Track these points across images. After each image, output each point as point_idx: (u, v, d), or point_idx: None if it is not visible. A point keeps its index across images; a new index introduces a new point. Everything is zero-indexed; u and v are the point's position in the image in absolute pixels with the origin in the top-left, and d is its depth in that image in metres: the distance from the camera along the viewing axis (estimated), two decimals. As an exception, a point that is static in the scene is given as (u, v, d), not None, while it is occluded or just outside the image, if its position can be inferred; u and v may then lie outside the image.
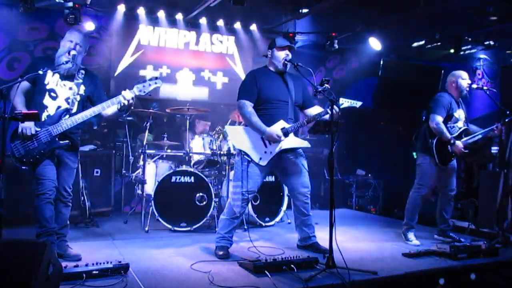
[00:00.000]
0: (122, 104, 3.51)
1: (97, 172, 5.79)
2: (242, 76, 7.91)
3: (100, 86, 3.81)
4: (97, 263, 3.22)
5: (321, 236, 4.18)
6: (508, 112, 4.58)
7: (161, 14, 7.19)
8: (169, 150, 5.65)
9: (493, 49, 8.96)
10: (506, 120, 4.58)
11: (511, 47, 8.97)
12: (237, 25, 7.77)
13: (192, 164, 5.55)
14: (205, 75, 7.79)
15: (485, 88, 4.91)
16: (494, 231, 4.83)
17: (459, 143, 4.49)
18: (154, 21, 7.29)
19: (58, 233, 3.69)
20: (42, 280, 2.51)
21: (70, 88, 3.60)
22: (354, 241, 4.70)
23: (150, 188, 5.26)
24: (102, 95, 3.75)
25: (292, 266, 3.39)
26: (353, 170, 7.94)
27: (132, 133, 6.27)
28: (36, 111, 3.31)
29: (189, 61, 7.66)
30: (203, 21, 7.52)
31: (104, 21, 6.99)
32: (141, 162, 5.39)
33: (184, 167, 5.24)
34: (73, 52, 3.55)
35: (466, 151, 4.52)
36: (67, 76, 3.61)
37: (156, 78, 3.63)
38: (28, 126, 3.39)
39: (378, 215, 6.64)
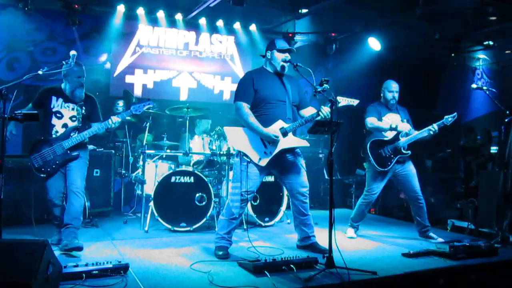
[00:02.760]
0: (109, 127, 4.11)
1: (96, 172, 5.78)
2: (241, 75, 7.92)
3: (96, 107, 4.33)
4: (96, 263, 3.22)
5: (321, 236, 4.19)
6: (507, 112, 4.58)
7: (161, 14, 7.20)
8: (168, 150, 5.65)
9: (492, 49, 8.97)
10: (506, 120, 4.58)
11: (510, 47, 8.98)
12: (237, 25, 7.78)
13: (191, 164, 5.55)
14: (205, 77, 7.80)
15: (484, 88, 4.91)
16: (494, 231, 4.83)
17: (402, 125, 4.69)
18: (153, 21, 7.30)
19: (67, 223, 3.95)
20: (42, 280, 2.52)
21: (73, 109, 4.15)
22: (354, 241, 4.71)
23: (149, 188, 5.26)
24: (99, 114, 4.33)
25: (292, 266, 3.39)
26: (352, 170, 7.94)
27: (132, 133, 6.27)
28: (36, 112, 3.37)
29: (189, 62, 7.67)
30: (202, 21, 7.53)
31: (103, 21, 6.99)
32: (141, 162, 5.40)
33: (183, 167, 5.24)
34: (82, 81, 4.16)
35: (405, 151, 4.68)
36: (70, 100, 4.15)
37: (149, 100, 4.31)
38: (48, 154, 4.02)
39: (377, 215, 6.64)
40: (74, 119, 4.14)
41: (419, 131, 4.67)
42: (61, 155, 4.03)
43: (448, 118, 4.57)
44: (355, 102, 3.90)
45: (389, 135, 4.76)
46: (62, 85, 4.16)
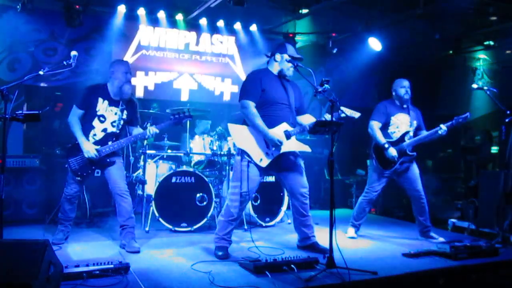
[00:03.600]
0: (146, 137, 4.25)
1: (97, 173, 5.77)
2: (242, 76, 7.93)
3: (137, 113, 4.37)
4: (97, 263, 3.23)
5: (321, 236, 4.19)
6: (508, 112, 4.58)
7: (161, 14, 7.20)
8: (169, 151, 5.66)
9: (492, 49, 8.97)
10: (506, 120, 4.58)
11: (510, 47, 8.98)
12: (237, 26, 7.78)
13: (192, 164, 5.56)
14: (205, 79, 7.80)
15: (485, 88, 4.90)
16: (494, 231, 4.83)
17: (391, 150, 4.60)
18: (154, 21, 7.31)
19: (122, 225, 4.14)
20: (43, 280, 2.52)
21: (116, 113, 4.17)
22: (354, 241, 4.71)
23: (150, 188, 5.27)
24: (138, 119, 4.37)
25: (292, 266, 3.40)
26: (353, 170, 7.94)
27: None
28: (37, 112, 3.37)
29: (190, 63, 7.68)
30: (203, 21, 7.53)
31: (104, 21, 7.00)
32: (142, 163, 5.40)
33: (184, 168, 5.25)
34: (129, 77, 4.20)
35: (399, 156, 4.62)
36: (115, 102, 4.17)
37: (188, 110, 4.35)
38: (90, 149, 4.02)
39: (378, 215, 6.65)
40: (114, 124, 4.17)
41: (426, 133, 4.65)
42: (97, 161, 4.09)
43: (459, 119, 4.51)
44: (356, 114, 3.88)
45: (395, 136, 4.72)
46: (108, 85, 4.17)
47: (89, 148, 4.02)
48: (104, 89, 4.16)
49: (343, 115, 3.77)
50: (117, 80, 4.11)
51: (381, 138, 4.68)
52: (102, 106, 4.13)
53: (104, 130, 4.14)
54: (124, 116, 4.21)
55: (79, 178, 4.14)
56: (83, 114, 4.13)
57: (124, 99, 4.17)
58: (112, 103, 4.16)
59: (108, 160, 4.12)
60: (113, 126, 4.16)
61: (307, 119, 4.06)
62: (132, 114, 4.28)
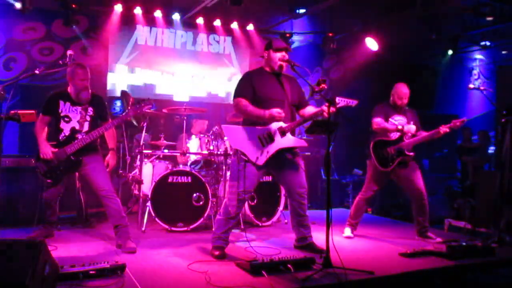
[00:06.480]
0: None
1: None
2: (238, 75, 7.93)
3: (104, 106, 4.33)
4: (94, 263, 3.21)
5: (318, 236, 4.19)
6: (504, 112, 4.59)
7: (158, 14, 7.19)
8: (166, 150, 5.64)
9: (489, 50, 9.01)
10: (503, 120, 4.59)
11: (506, 47, 9.02)
12: (234, 25, 7.78)
13: (189, 164, 5.55)
14: (202, 79, 7.80)
15: (481, 88, 4.92)
16: (490, 230, 4.85)
17: (410, 126, 4.63)
18: (151, 21, 7.30)
19: (116, 225, 4.09)
20: (39, 280, 2.51)
21: (80, 112, 4.15)
22: (351, 240, 4.71)
23: (147, 188, 5.25)
24: (107, 113, 4.33)
25: (289, 266, 3.39)
26: (350, 170, 7.96)
27: (129, 133, 6.26)
28: (32, 111, 3.37)
29: (186, 63, 7.67)
30: (200, 21, 7.53)
31: (101, 21, 6.98)
32: (138, 162, 5.39)
33: (181, 167, 5.24)
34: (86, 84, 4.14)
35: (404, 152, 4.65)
36: (77, 102, 4.15)
37: (148, 99, 4.21)
38: (47, 152, 4.02)
39: (374, 215, 6.65)
40: (80, 122, 4.15)
41: (425, 135, 4.65)
42: (64, 161, 4.06)
43: (457, 123, 4.51)
44: (353, 102, 3.85)
45: (394, 136, 4.73)
46: (68, 89, 4.17)
47: (45, 150, 4.03)
48: (63, 93, 4.17)
49: (338, 105, 3.72)
50: (74, 86, 4.11)
51: (390, 126, 4.67)
52: (64, 107, 4.12)
53: (72, 129, 4.11)
54: (91, 113, 4.19)
55: (49, 181, 4.12)
56: (48, 120, 4.15)
57: (84, 104, 4.18)
58: (74, 103, 4.15)
59: (74, 159, 4.06)
60: (80, 124, 4.14)
61: (309, 111, 4.05)
62: (99, 109, 4.25)
